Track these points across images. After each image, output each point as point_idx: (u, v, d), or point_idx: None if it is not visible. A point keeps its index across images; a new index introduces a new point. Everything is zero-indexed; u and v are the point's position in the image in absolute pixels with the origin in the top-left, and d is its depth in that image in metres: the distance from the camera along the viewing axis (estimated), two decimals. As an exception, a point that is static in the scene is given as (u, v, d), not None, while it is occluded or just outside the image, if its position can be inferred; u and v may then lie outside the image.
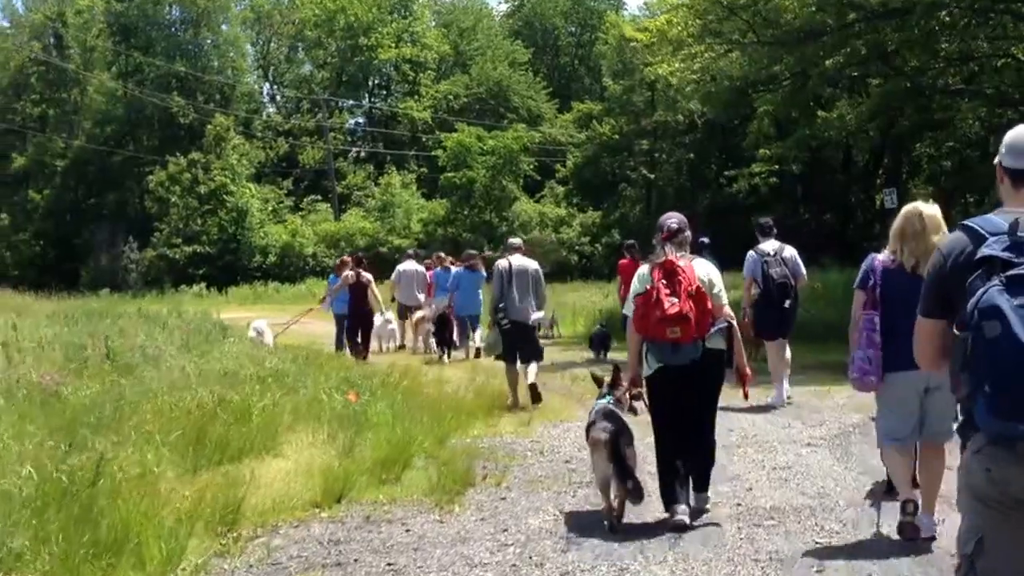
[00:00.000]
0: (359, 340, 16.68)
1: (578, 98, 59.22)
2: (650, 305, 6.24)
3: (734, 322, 6.61)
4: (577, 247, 48.64)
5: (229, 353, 13.67)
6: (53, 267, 55.58)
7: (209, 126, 53.81)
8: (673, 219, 6.73)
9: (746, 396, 7.11)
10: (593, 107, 52.13)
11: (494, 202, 50.24)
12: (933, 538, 5.91)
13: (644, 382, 6.67)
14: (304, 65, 70.34)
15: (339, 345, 17.66)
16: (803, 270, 11.65)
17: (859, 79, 27.14)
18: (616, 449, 6.25)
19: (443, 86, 62.93)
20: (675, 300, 6.15)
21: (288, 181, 61.29)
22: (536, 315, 11.79)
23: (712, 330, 6.35)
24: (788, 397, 11.52)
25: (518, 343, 11.56)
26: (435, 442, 9.22)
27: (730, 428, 9.61)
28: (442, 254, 21.61)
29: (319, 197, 58.74)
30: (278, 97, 71.87)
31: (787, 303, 11.34)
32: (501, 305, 11.44)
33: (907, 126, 28.44)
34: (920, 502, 5.91)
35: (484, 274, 17.40)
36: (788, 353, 11.66)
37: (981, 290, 2.90)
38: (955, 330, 3.06)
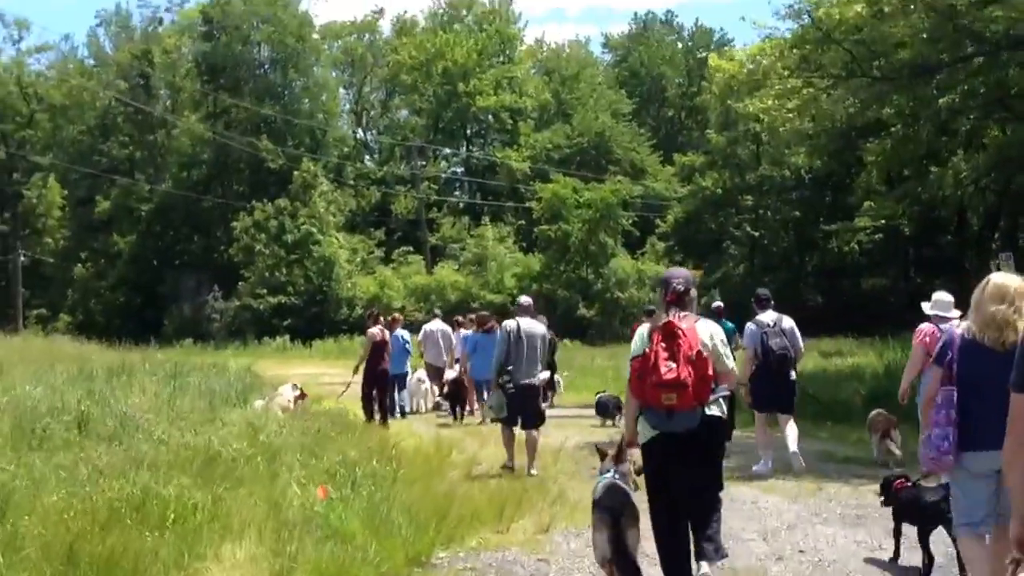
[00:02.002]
0: (375, 402, 16.32)
1: (684, 152, 57.13)
2: (647, 369, 6.12)
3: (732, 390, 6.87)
4: (677, 307, 46.03)
5: (232, 422, 12.92)
6: (137, 316, 55.27)
7: (297, 172, 53.38)
8: (679, 279, 6.52)
9: None
10: (696, 159, 50.65)
11: (590, 257, 49.15)
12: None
13: (641, 450, 6.56)
14: (399, 111, 69.85)
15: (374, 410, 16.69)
16: (800, 343, 11.91)
17: (975, 129, 24.52)
18: (617, 533, 6.21)
19: (543, 135, 62.05)
20: (672, 365, 6.01)
21: (380, 231, 60.73)
22: (542, 375, 12.01)
23: (713, 396, 6.23)
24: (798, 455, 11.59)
25: (521, 407, 11.61)
26: (405, 561, 7.59)
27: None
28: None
29: (411, 249, 57.71)
30: (371, 143, 71.33)
31: (791, 376, 11.69)
32: (509, 368, 11.49)
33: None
34: None
35: None
36: (793, 427, 11.73)
37: None
38: None
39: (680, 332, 6.08)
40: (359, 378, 16.93)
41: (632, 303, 49.12)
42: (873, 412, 12.52)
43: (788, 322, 11.75)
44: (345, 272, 53.50)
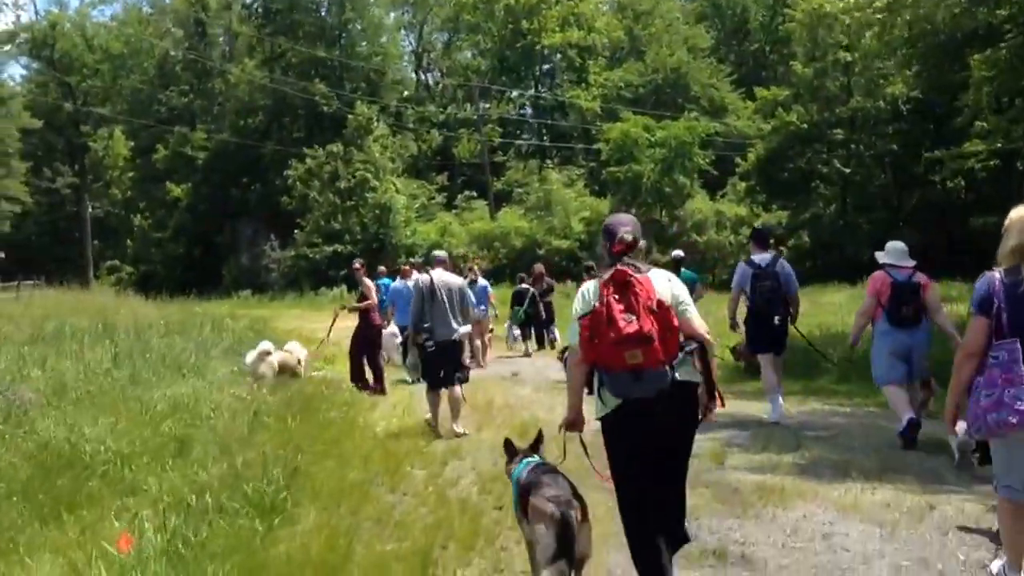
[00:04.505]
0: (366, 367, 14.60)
1: (767, 87, 52.61)
2: (600, 326, 5.08)
3: (709, 338, 5.35)
4: (759, 251, 41.92)
5: (160, 399, 11.01)
6: (197, 266, 53.35)
7: (351, 116, 50.08)
8: (627, 227, 5.45)
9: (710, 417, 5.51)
10: (780, 93, 45.75)
11: (664, 199, 45.43)
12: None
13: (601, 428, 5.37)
14: (462, 52, 66.17)
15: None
16: (795, 287, 11.31)
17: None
18: (567, 529, 4.99)
19: (615, 73, 57.99)
20: (632, 317, 5.04)
21: (443, 177, 57.32)
22: (463, 329, 11.04)
23: (680, 355, 5.16)
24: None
25: (442, 363, 10.80)
26: None
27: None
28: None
29: (474, 194, 54.48)
30: (433, 85, 67.96)
31: (776, 319, 11.01)
32: (425, 325, 10.74)
33: None
34: None
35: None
36: (772, 374, 11.18)
37: None
38: None
39: (635, 280, 5.14)
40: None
41: (712, 246, 45.49)
42: None
43: (783, 265, 11.23)
44: (403, 219, 50.04)
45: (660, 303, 5.12)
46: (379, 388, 14.10)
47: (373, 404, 12.90)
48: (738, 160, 48.40)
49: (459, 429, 10.66)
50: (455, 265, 19.87)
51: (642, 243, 5.46)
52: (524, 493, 5.43)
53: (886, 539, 6.40)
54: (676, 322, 5.17)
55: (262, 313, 34.50)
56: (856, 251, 34.50)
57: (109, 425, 8.91)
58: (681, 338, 5.21)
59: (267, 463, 7.49)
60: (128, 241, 61.03)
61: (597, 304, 5.15)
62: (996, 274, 5.22)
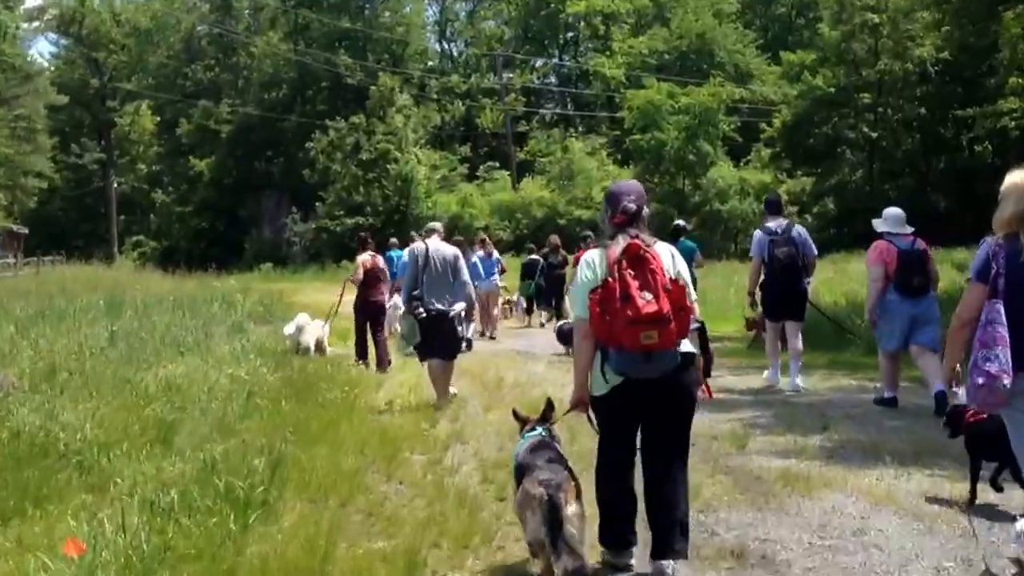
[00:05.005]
0: (368, 340, 13.99)
1: (793, 51, 51.43)
2: (614, 303, 4.84)
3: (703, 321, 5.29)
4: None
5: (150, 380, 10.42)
6: (220, 240, 53.01)
7: (374, 87, 49.36)
8: (631, 195, 5.19)
9: (709, 396, 5.52)
10: (806, 57, 44.64)
11: (687, 168, 44.50)
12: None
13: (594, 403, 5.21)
14: (486, 21, 64.89)
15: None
16: (813, 250, 11.16)
17: None
18: (554, 512, 4.71)
19: (639, 41, 56.88)
20: (650, 296, 4.83)
21: (466, 147, 56.33)
22: (458, 305, 10.69)
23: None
24: (802, 387, 10.95)
25: (436, 336, 10.46)
26: None
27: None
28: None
29: (497, 164, 53.59)
30: (456, 55, 67.02)
31: (796, 284, 10.87)
32: (416, 293, 10.48)
33: None
34: None
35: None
36: (800, 342, 11.08)
37: None
38: None
39: (650, 256, 4.93)
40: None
41: (734, 215, 44.61)
42: None
43: (798, 229, 11.18)
44: (424, 190, 49.43)
45: (675, 281, 4.95)
46: (381, 365, 13.53)
47: (379, 382, 12.31)
48: (763, 126, 47.42)
49: (453, 390, 10.61)
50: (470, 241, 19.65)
51: (646, 211, 5.21)
52: (519, 475, 5.21)
53: (924, 534, 5.69)
54: (688, 301, 4.99)
55: (281, 287, 34.09)
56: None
57: (90, 410, 8.34)
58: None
59: (247, 453, 6.89)
60: (152, 216, 60.85)
61: (609, 278, 4.92)
62: (996, 240, 4.93)
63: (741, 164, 49.20)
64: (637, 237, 5.01)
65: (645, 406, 5.06)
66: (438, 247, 10.78)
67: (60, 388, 9.49)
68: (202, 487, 6.04)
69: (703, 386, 5.26)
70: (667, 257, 5.06)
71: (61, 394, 9.11)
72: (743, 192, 45.52)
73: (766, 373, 11.39)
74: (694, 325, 5.12)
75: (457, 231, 38.56)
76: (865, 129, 41.67)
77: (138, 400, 8.99)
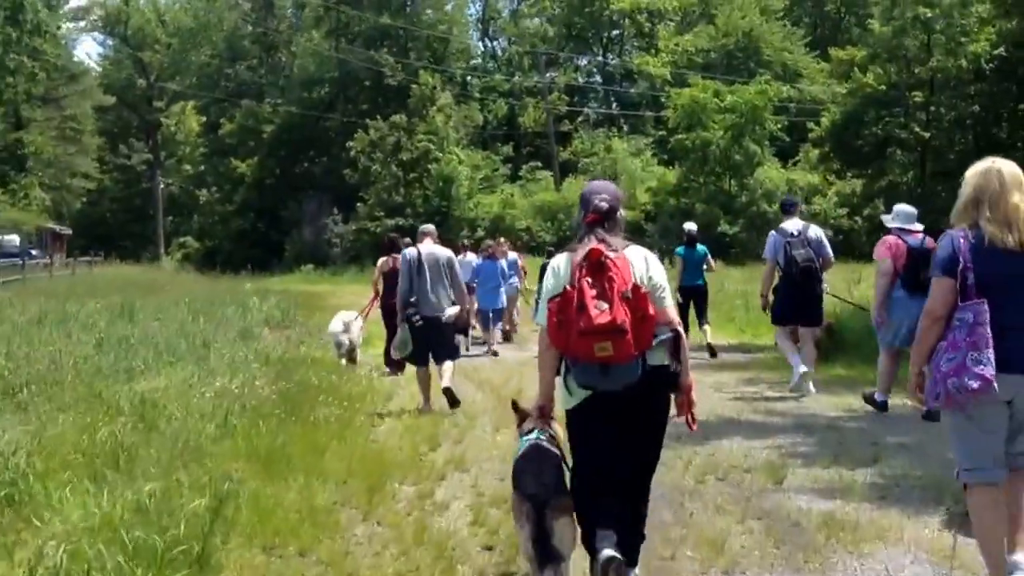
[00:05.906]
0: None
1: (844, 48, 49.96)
2: (570, 312, 4.61)
3: (681, 330, 4.86)
4: (832, 221, 39.42)
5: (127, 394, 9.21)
6: (262, 241, 52.55)
7: (415, 86, 48.44)
8: (603, 194, 5.03)
9: (691, 425, 4.95)
10: (855, 53, 43.01)
11: (733, 168, 43.29)
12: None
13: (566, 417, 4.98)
14: (529, 19, 63.94)
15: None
16: (830, 252, 10.97)
17: None
18: (542, 528, 4.63)
19: (685, 39, 55.60)
20: (605, 305, 4.55)
21: (508, 147, 55.39)
22: (451, 310, 10.54)
23: (655, 340, 4.67)
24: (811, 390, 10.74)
25: (430, 342, 10.40)
26: None
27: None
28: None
29: (540, 165, 52.51)
30: (499, 53, 66.15)
31: (812, 288, 10.71)
32: (412, 299, 10.34)
33: None
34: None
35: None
36: (812, 348, 11.05)
37: None
38: None
39: (610, 263, 4.64)
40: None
41: (781, 217, 43.16)
42: None
43: (815, 231, 11.08)
44: (465, 191, 48.54)
45: (635, 288, 4.62)
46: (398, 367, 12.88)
47: (389, 394, 11.32)
48: (811, 126, 45.91)
49: (447, 383, 10.33)
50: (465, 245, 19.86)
51: (620, 213, 5.02)
52: (514, 484, 5.00)
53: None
54: (652, 310, 4.63)
55: (320, 288, 33.29)
56: (935, 220, 32.02)
57: (36, 430, 7.33)
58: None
59: (179, 494, 5.77)
60: (195, 216, 60.57)
61: (568, 287, 4.67)
62: (959, 232, 4.77)
63: (789, 165, 47.79)
64: (604, 240, 4.74)
65: (610, 419, 4.76)
66: (431, 250, 10.69)
67: (19, 404, 8.53)
68: (112, 536, 4.95)
69: (688, 411, 4.84)
70: (639, 263, 4.80)
71: (23, 410, 8.14)
72: (791, 193, 43.81)
73: (792, 383, 10.90)
74: (664, 335, 4.69)
75: (499, 232, 37.63)
76: (917, 128, 40.04)
77: (104, 418, 8.00)
